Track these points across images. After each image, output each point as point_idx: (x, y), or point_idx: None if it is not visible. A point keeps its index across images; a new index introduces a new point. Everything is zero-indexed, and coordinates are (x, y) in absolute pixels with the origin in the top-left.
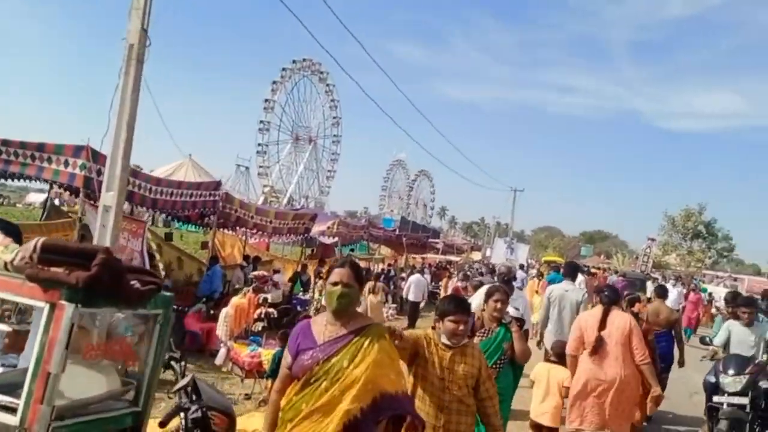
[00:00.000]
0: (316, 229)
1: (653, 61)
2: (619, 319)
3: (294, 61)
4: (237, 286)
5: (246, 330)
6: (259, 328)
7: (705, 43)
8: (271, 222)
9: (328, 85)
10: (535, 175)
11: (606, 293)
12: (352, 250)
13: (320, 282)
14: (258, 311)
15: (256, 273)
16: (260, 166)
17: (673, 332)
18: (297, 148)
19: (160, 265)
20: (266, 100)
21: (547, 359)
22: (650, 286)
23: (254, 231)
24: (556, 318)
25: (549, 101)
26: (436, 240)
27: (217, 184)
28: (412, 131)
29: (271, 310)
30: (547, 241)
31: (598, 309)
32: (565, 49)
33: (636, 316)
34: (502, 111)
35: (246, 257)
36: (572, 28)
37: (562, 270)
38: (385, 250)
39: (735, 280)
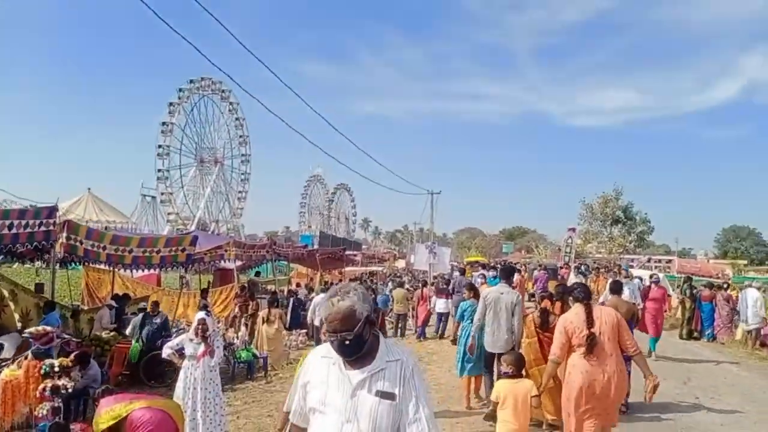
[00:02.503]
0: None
1: (556, 64)
2: (606, 314)
3: (191, 81)
4: (104, 333)
5: (27, 417)
6: (45, 411)
7: (602, 44)
8: (131, 252)
9: (231, 103)
10: (453, 180)
11: (577, 291)
12: (257, 273)
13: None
14: (42, 386)
15: (32, 330)
16: (162, 193)
17: (633, 321)
18: (202, 170)
19: (16, 316)
20: (164, 123)
21: (502, 375)
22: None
23: (109, 265)
24: (492, 320)
25: (461, 110)
26: (354, 252)
27: (51, 211)
28: (327, 147)
29: (62, 382)
30: (469, 242)
31: (579, 308)
32: (472, 60)
33: (546, 311)
34: (415, 122)
35: (116, 296)
36: (477, 38)
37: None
38: (304, 269)
39: (669, 262)
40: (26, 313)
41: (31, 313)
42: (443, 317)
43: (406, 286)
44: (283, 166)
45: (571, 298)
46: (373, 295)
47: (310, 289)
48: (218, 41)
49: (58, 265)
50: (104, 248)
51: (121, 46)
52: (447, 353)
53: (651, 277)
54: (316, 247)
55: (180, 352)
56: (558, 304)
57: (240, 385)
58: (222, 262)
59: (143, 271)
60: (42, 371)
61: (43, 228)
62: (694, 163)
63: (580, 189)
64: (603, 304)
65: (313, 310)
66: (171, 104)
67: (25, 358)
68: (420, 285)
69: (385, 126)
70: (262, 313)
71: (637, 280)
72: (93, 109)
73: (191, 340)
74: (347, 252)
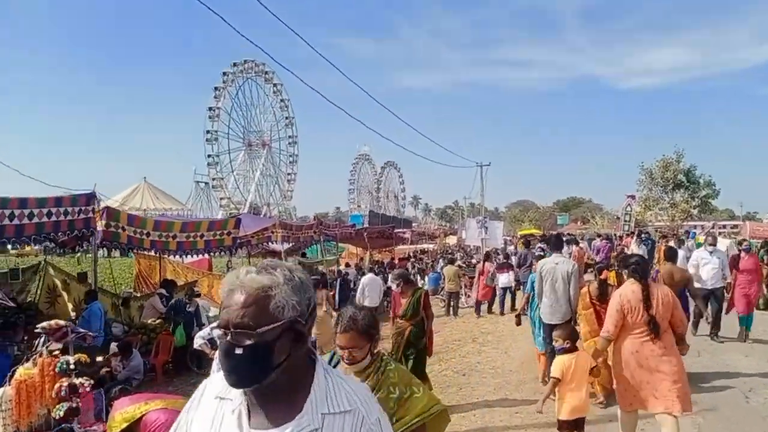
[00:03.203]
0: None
1: (602, 24)
2: (662, 294)
3: (235, 64)
4: (150, 321)
5: (46, 419)
6: (62, 413)
7: (649, 0)
8: (174, 237)
9: (275, 85)
10: (502, 152)
11: (634, 266)
12: (303, 255)
13: None
14: (58, 384)
15: (44, 324)
16: (213, 179)
17: (687, 291)
18: (251, 154)
19: (70, 305)
20: (210, 108)
21: (564, 351)
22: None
23: (155, 251)
24: (550, 291)
25: (505, 78)
26: (403, 230)
27: (89, 198)
28: (371, 124)
29: (80, 380)
30: (522, 215)
31: (636, 285)
32: (514, 25)
33: (605, 283)
34: (459, 94)
35: (165, 282)
36: (518, 2)
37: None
38: (355, 249)
39: (734, 227)
40: (78, 303)
41: (84, 303)
42: (506, 292)
43: (458, 263)
44: (331, 147)
45: (626, 271)
46: (421, 275)
47: (360, 269)
48: (259, 22)
49: (100, 252)
50: (148, 234)
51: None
52: (503, 333)
53: (740, 244)
54: (365, 226)
55: (212, 342)
56: (613, 274)
57: None
58: (269, 244)
59: (191, 256)
60: (57, 368)
61: (82, 215)
62: (755, 121)
63: (636, 155)
64: (657, 271)
65: (362, 290)
66: (216, 89)
67: (40, 355)
68: (482, 259)
69: (428, 99)
70: None
71: (723, 249)
72: (144, 99)
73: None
74: (396, 230)
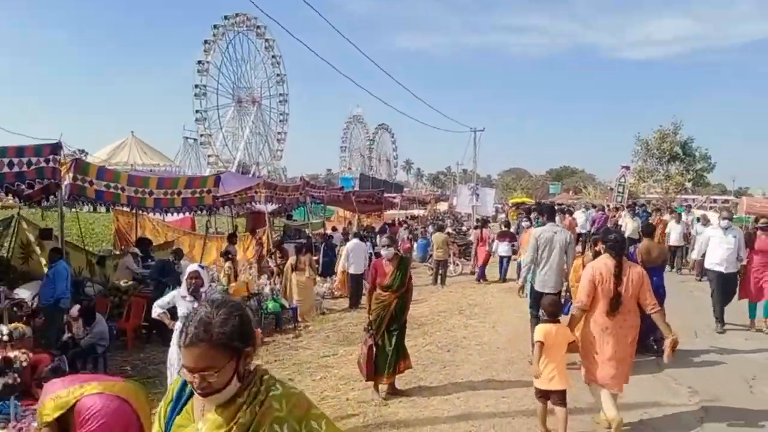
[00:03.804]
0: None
1: None
2: (633, 272)
3: (226, 17)
4: (122, 282)
5: None
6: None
7: None
8: (152, 193)
9: (267, 40)
10: (497, 118)
11: (611, 243)
12: (289, 216)
13: (226, 264)
14: None
15: None
16: (201, 135)
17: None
18: (240, 111)
19: (43, 262)
20: (199, 62)
21: (544, 320)
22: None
23: (131, 208)
24: (546, 260)
25: (504, 44)
26: (393, 195)
27: (54, 147)
28: (366, 85)
29: (15, 353)
30: (514, 183)
31: (610, 260)
32: None
33: (599, 255)
34: (457, 58)
35: (140, 240)
36: None
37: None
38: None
39: (725, 202)
40: (78, 272)
41: (83, 272)
42: (506, 260)
43: (448, 230)
44: (324, 107)
45: (602, 245)
46: (414, 239)
47: (346, 234)
48: None
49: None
50: (123, 189)
51: None
52: (491, 305)
53: (757, 221)
54: (355, 189)
55: (172, 312)
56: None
57: (268, 338)
58: (254, 204)
59: (169, 214)
60: None
61: (51, 165)
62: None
63: (631, 126)
64: (635, 246)
65: (346, 256)
66: (206, 42)
67: None
68: (479, 225)
69: (425, 61)
70: (291, 260)
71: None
72: (133, 51)
73: (183, 297)
74: (386, 194)
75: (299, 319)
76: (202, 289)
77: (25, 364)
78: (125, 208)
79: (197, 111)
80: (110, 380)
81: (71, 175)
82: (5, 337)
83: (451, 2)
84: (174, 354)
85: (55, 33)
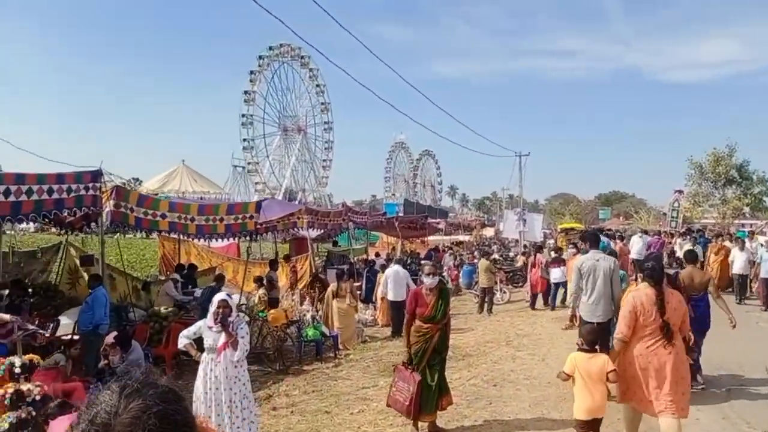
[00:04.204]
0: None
1: (648, 14)
2: (674, 300)
3: (271, 48)
4: (163, 309)
5: None
6: (7, 425)
7: None
8: (193, 220)
9: (311, 69)
10: (543, 143)
11: (648, 271)
12: (335, 243)
13: (260, 291)
14: (2, 392)
15: None
16: (249, 163)
17: (708, 295)
18: (286, 139)
19: None
20: (246, 92)
21: (580, 348)
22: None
23: (175, 234)
24: (591, 289)
25: (545, 68)
26: (437, 220)
27: (95, 175)
28: (408, 112)
29: (27, 386)
30: (562, 208)
31: (649, 289)
32: (555, 14)
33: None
34: (498, 84)
35: (179, 266)
36: None
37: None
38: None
39: None
40: (124, 297)
41: (105, 285)
42: (558, 287)
43: (494, 256)
44: (369, 135)
45: (641, 274)
46: (459, 266)
47: (389, 260)
48: (295, 5)
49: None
50: (163, 216)
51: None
52: (540, 336)
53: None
54: (400, 214)
55: (198, 342)
56: None
57: (308, 366)
58: (298, 230)
59: (215, 241)
60: (0, 372)
61: (91, 192)
62: None
63: (682, 150)
64: (678, 273)
65: (384, 283)
66: (252, 72)
67: None
68: (533, 250)
69: (465, 88)
70: (332, 287)
71: None
72: (184, 81)
73: (210, 327)
74: (430, 220)
75: (340, 347)
76: (230, 319)
77: (38, 397)
78: (168, 235)
79: (244, 140)
80: None
81: (113, 202)
82: (17, 369)
83: (491, 28)
84: (200, 389)
85: (111, 65)
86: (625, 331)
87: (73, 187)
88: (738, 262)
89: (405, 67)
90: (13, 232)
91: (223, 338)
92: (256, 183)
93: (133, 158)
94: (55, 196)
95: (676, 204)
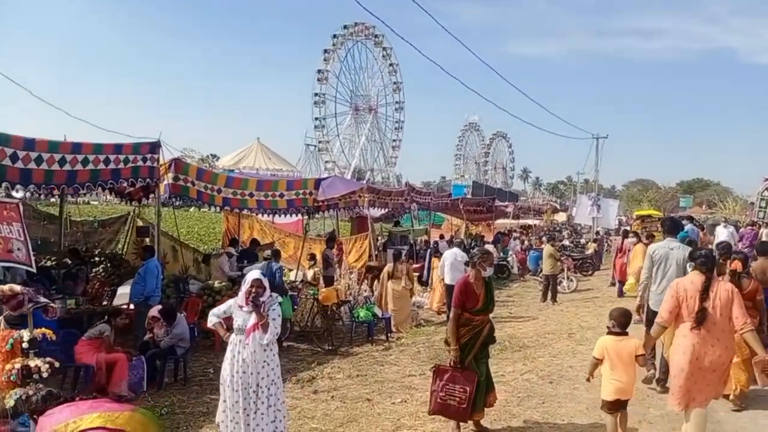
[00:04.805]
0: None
1: None
2: (721, 289)
3: (345, 27)
4: (216, 283)
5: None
6: (13, 403)
7: None
8: (252, 195)
9: (384, 48)
10: (623, 126)
11: (702, 259)
12: (397, 223)
13: (311, 270)
14: (9, 367)
15: (2, 288)
16: (320, 141)
17: None
18: (357, 119)
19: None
20: (319, 71)
21: (610, 332)
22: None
23: (231, 209)
24: (661, 277)
25: (631, 48)
26: (505, 203)
27: (153, 146)
28: (484, 92)
29: (36, 362)
30: (640, 195)
31: (698, 276)
32: None
33: (737, 273)
34: (580, 64)
35: (233, 240)
36: None
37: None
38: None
39: None
40: (164, 257)
41: (168, 257)
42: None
43: (565, 241)
44: (440, 115)
45: (693, 262)
46: (527, 250)
47: (451, 242)
48: None
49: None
50: (219, 191)
51: None
52: (605, 328)
53: None
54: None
55: (229, 322)
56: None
57: (358, 348)
58: (359, 208)
59: (276, 216)
60: (8, 346)
61: (149, 163)
62: None
63: None
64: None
65: (441, 266)
66: (326, 51)
67: None
68: (621, 235)
69: (544, 68)
70: (387, 268)
71: None
72: (260, 60)
73: (241, 307)
74: (498, 203)
75: (393, 329)
76: (262, 299)
77: (45, 375)
78: (225, 210)
79: (316, 118)
80: (114, 411)
81: (171, 174)
82: (25, 344)
83: (572, 5)
84: (227, 371)
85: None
86: (666, 316)
87: (131, 158)
88: None
89: (482, 47)
90: (76, 202)
91: (253, 319)
92: (326, 162)
93: (212, 135)
94: (112, 166)
95: (765, 193)
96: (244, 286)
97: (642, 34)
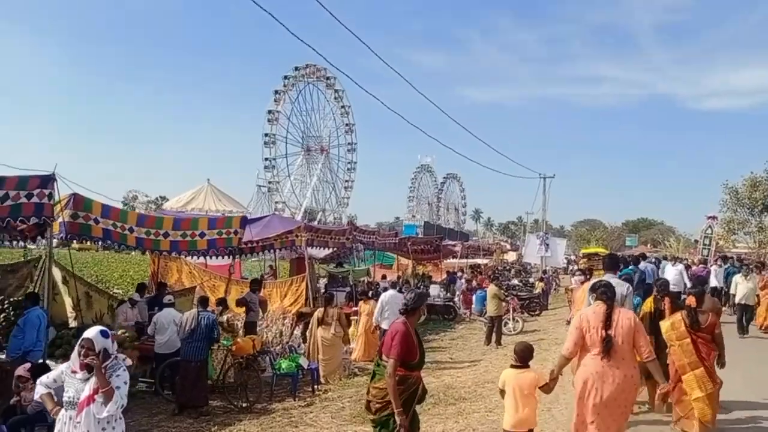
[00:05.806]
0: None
1: (682, 42)
2: (624, 317)
3: (296, 68)
4: (120, 332)
5: None
6: None
7: (734, 19)
8: (167, 235)
9: (336, 90)
10: (570, 168)
11: (602, 288)
12: (339, 264)
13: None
14: None
15: None
16: (270, 182)
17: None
18: (309, 159)
19: (68, 304)
20: (270, 111)
21: (512, 365)
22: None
23: (143, 251)
24: None
25: (577, 94)
26: (453, 243)
27: (44, 180)
28: (436, 135)
29: None
30: (588, 234)
31: (600, 306)
32: (588, 41)
33: (693, 309)
34: (529, 109)
35: (140, 286)
36: (594, 18)
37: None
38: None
39: None
40: (77, 302)
41: (81, 303)
42: None
43: (513, 281)
44: (393, 157)
45: (594, 294)
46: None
47: (395, 284)
48: (327, 30)
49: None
50: (132, 230)
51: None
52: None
53: None
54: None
55: (58, 393)
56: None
57: (278, 404)
58: (296, 248)
59: (195, 257)
60: None
61: (35, 200)
62: None
63: (715, 178)
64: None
65: (380, 309)
66: (276, 92)
67: None
68: (583, 273)
69: (496, 113)
70: (317, 313)
71: None
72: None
73: (74, 372)
74: (446, 242)
75: (322, 380)
76: (103, 361)
77: None
78: (137, 252)
79: (266, 159)
80: None
81: (69, 211)
82: None
83: (522, 56)
84: None
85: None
86: (571, 347)
87: (11, 194)
88: None
89: (434, 91)
90: None
91: (88, 389)
92: (276, 202)
93: (162, 176)
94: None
95: (708, 231)
96: (77, 347)
97: (589, 81)
